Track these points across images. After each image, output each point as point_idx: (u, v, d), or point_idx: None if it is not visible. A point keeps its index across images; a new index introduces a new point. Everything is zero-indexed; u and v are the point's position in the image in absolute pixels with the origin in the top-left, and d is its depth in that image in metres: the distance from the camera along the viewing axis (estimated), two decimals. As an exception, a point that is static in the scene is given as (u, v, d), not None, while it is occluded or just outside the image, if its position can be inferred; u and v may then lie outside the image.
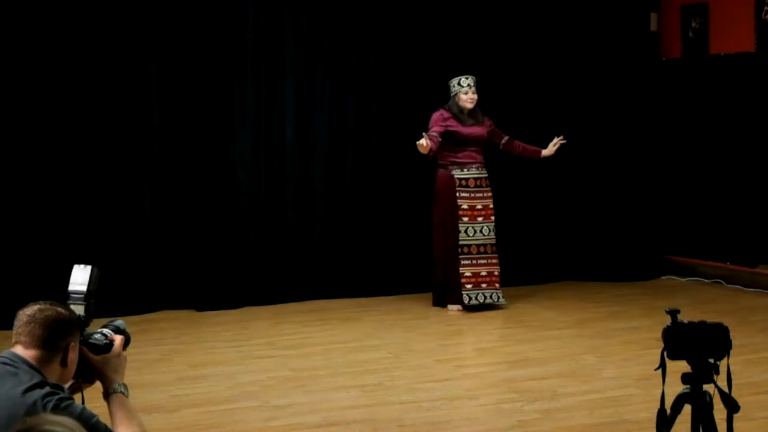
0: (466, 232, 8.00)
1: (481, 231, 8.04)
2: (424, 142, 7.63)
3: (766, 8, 8.40)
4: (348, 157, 8.59)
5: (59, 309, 3.09)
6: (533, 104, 8.94)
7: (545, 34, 9.05)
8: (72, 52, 7.74)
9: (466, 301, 8.00)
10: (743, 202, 8.69)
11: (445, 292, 8.11)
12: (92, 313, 3.12)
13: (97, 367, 3.11)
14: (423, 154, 7.77)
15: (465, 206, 8.01)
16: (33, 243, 7.70)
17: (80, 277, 3.12)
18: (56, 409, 2.80)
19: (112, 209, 7.93)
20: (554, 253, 9.14)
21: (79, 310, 3.11)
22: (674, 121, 9.26)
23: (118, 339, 3.17)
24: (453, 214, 8.00)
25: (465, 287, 8.00)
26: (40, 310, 3.06)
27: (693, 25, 9.07)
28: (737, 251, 8.80)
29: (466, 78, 8.04)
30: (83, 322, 3.11)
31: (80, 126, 7.81)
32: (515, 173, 8.83)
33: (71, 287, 3.13)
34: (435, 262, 8.16)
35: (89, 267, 3.14)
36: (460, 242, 7.99)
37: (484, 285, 8.06)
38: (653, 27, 9.38)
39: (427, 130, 7.83)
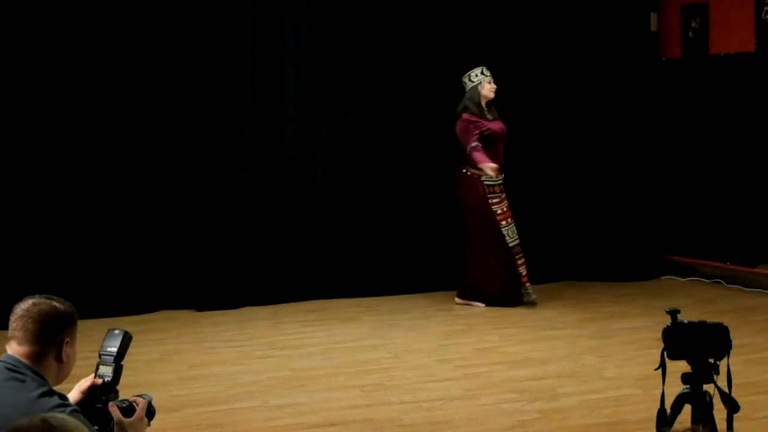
0: (508, 234, 8.08)
1: (515, 232, 8.12)
2: (490, 172, 7.91)
3: (766, 8, 8.40)
4: (348, 156, 8.58)
5: (54, 303, 3.07)
6: (533, 104, 8.94)
7: (545, 34, 9.05)
8: (72, 52, 7.74)
9: (525, 299, 8.11)
10: (743, 202, 8.69)
11: (475, 288, 8.17)
12: (120, 375, 3.19)
13: (120, 424, 3.10)
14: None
15: (499, 211, 8.08)
16: (33, 243, 7.69)
17: (112, 341, 3.22)
18: None
19: (112, 209, 7.93)
20: (554, 253, 9.14)
21: (107, 371, 3.17)
22: (674, 121, 9.26)
23: (141, 403, 3.19)
24: (487, 220, 8.04)
25: (525, 286, 8.12)
26: (34, 304, 3.05)
27: (693, 25, 9.07)
28: (737, 251, 8.80)
29: (487, 69, 8.12)
30: (111, 383, 3.16)
31: (80, 126, 7.81)
32: (515, 174, 8.82)
33: (102, 349, 3.21)
34: (469, 262, 8.19)
35: (122, 332, 3.25)
36: (509, 243, 8.06)
37: (528, 284, 8.19)
38: (653, 27, 9.38)
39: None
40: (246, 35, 8.21)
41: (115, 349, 3.19)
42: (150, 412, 3.22)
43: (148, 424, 3.22)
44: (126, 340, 3.22)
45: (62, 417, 2.30)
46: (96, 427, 3.06)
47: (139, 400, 3.20)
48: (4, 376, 2.96)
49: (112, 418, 3.08)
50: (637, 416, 5.32)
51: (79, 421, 2.36)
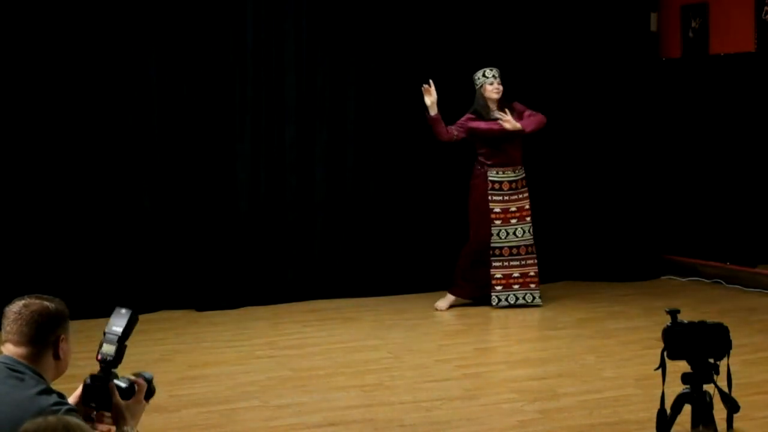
0: (498, 234, 8.00)
1: (514, 233, 8.03)
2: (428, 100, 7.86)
3: (766, 8, 8.40)
4: (348, 157, 8.58)
5: (45, 302, 3.08)
6: (533, 104, 8.92)
7: (545, 34, 9.04)
8: (72, 52, 7.74)
9: (494, 303, 8.00)
10: (743, 202, 8.69)
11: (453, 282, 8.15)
12: (122, 355, 3.17)
13: (118, 406, 3.10)
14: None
15: (497, 209, 8.00)
16: (32, 243, 7.69)
17: (118, 320, 3.19)
18: None
19: (112, 209, 7.93)
20: (554, 253, 9.13)
21: (110, 349, 3.14)
22: (674, 121, 9.26)
23: (141, 386, 3.17)
24: (483, 214, 8.00)
25: (495, 288, 8.01)
26: (25, 305, 3.05)
27: (693, 25, 9.07)
28: (737, 251, 8.80)
29: (491, 69, 8.05)
30: (112, 361, 3.14)
31: (80, 126, 7.81)
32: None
33: (108, 327, 3.18)
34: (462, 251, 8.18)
35: (129, 312, 3.22)
36: (492, 244, 8.00)
37: (516, 286, 8.05)
38: (653, 27, 9.38)
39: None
40: (246, 35, 8.21)
41: (120, 329, 3.16)
42: (150, 391, 3.21)
43: (147, 403, 3.21)
44: (132, 321, 3.19)
45: (77, 421, 2.31)
46: (93, 404, 3.06)
47: (140, 381, 3.19)
48: (4, 375, 2.97)
49: (111, 397, 3.08)
50: (637, 416, 5.33)
51: (79, 421, 2.38)
